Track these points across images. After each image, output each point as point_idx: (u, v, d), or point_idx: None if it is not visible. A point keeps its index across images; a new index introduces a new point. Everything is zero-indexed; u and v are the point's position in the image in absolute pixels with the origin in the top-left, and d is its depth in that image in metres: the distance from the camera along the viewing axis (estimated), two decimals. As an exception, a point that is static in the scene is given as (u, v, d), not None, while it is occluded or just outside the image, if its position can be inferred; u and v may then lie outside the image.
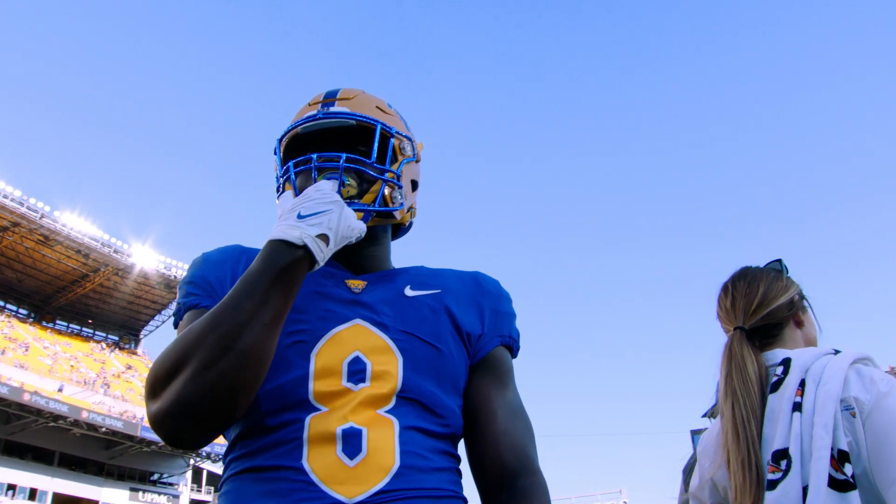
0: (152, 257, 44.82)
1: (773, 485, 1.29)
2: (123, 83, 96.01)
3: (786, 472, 1.29)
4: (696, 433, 8.73)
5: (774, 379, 1.42)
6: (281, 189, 1.25)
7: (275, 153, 1.29)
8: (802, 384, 1.36)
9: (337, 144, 1.25)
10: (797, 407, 1.33)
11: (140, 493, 40.26)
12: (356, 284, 1.18)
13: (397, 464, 1.01)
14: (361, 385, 1.05)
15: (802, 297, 1.63)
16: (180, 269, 45.96)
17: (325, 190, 1.07)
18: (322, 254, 1.01)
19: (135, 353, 51.28)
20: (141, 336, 52.73)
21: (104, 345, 49.56)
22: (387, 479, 0.99)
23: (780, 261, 1.68)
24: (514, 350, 1.26)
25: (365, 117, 1.24)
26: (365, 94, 1.32)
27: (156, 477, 42.80)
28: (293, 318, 1.09)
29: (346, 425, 1.01)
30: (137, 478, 41.16)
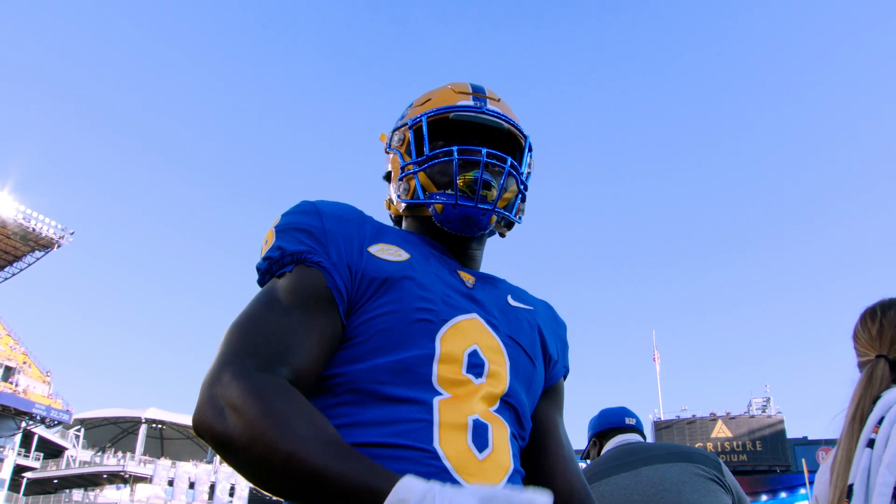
0: (10, 205, 42.09)
1: None
2: None
3: None
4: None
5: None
6: (422, 164, 1.20)
7: (409, 127, 1.24)
8: (881, 421, 1.36)
9: (478, 141, 1.23)
10: (870, 443, 1.33)
11: (-41, 453, 37.71)
12: (467, 278, 1.16)
13: (512, 466, 1.02)
14: (480, 380, 1.03)
15: None
16: (40, 222, 43.48)
17: None
18: None
19: (-25, 303, 47.80)
20: (-15, 286, 49.24)
21: (-59, 290, 45.94)
22: (504, 480, 0.99)
23: None
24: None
25: (519, 127, 1.25)
26: (503, 101, 1.31)
27: (-21, 437, 40.17)
28: (419, 293, 1.05)
29: (474, 416, 0.99)
30: (-42, 437, 38.52)
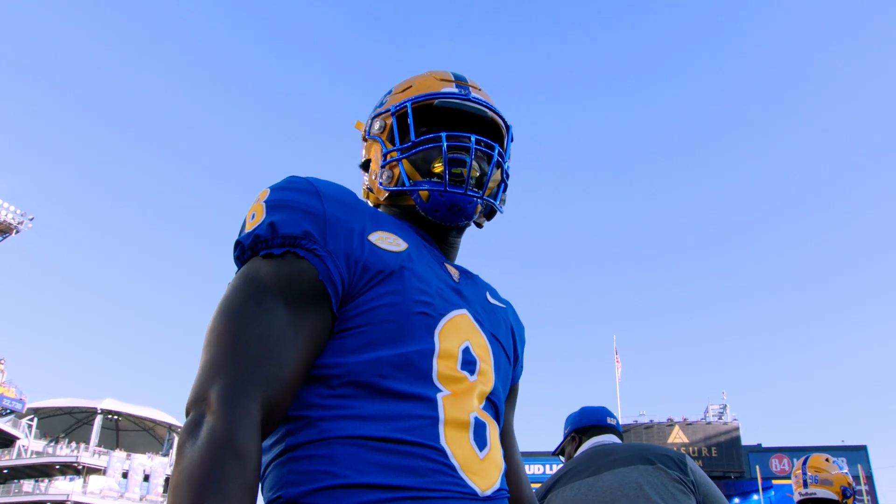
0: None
1: None
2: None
3: None
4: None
5: None
6: (407, 150, 1.16)
7: (392, 114, 1.19)
8: None
9: (462, 129, 1.19)
10: None
11: None
12: (453, 272, 1.14)
13: (503, 465, 1.03)
14: (474, 378, 1.02)
15: None
16: (9, 212, 42.42)
17: None
18: None
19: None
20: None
21: None
22: (499, 479, 1.00)
23: None
24: None
25: (502, 116, 1.23)
26: (483, 90, 1.27)
27: (-73, 424, 39.01)
28: (418, 286, 1.02)
29: (474, 414, 0.99)
30: None
